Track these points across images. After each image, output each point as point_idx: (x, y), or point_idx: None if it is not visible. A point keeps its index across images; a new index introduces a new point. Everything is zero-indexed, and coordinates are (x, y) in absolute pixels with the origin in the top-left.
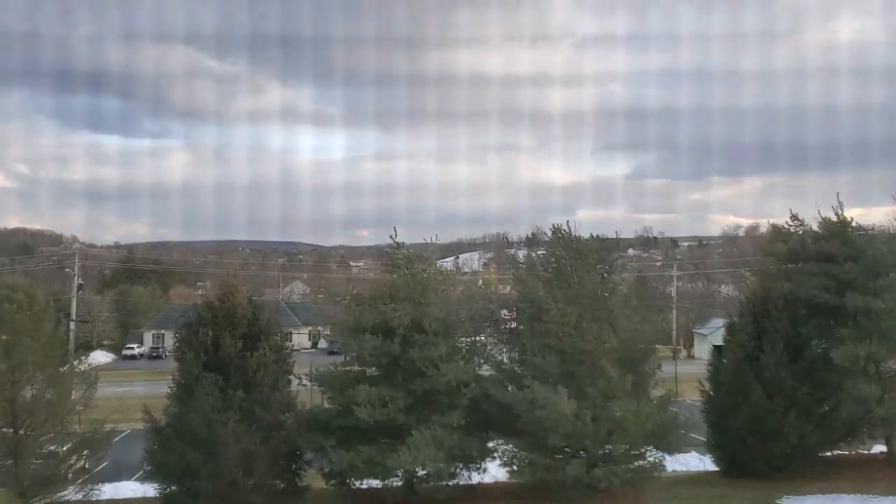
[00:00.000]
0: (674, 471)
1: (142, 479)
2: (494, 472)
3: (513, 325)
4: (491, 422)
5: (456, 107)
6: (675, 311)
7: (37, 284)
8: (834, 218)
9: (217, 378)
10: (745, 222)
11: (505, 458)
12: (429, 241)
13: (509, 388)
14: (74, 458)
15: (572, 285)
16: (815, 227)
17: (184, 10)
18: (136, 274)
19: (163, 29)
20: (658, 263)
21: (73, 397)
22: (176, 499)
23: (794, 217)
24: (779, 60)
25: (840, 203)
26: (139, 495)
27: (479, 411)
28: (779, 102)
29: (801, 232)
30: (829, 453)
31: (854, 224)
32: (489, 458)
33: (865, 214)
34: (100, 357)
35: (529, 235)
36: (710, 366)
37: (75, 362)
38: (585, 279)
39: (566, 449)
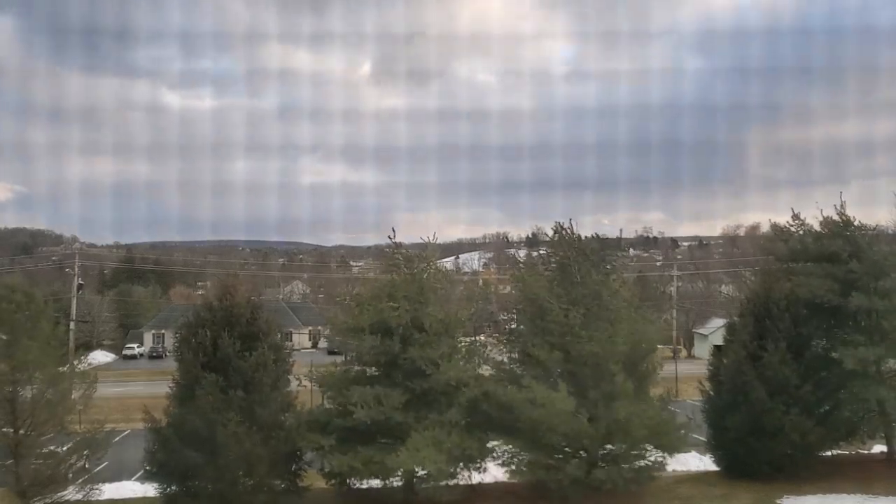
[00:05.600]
0: (674, 471)
1: (142, 479)
2: (494, 472)
3: (513, 325)
4: (491, 422)
5: None
6: (675, 311)
7: (37, 284)
8: (836, 217)
9: (217, 378)
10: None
11: (504, 458)
12: (429, 240)
13: (509, 388)
14: (74, 458)
15: (576, 285)
16: (816, 226)
17: None
18: (136, 274)
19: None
20: (658, 263)
21: (72, 397)
22: (176, 499)
23: (796, 216)
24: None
25: (843, 202)
26: (139, 495)
27: (479, 411)
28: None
29: (801, 232)
30: (829, 453)
31: (857, 223)
32: (489, 458)
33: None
34: (100, 357)
35: (530, 235)
36: (711, 366)
37: (75, 362)
38: (589, 279)
39: (566, 448)
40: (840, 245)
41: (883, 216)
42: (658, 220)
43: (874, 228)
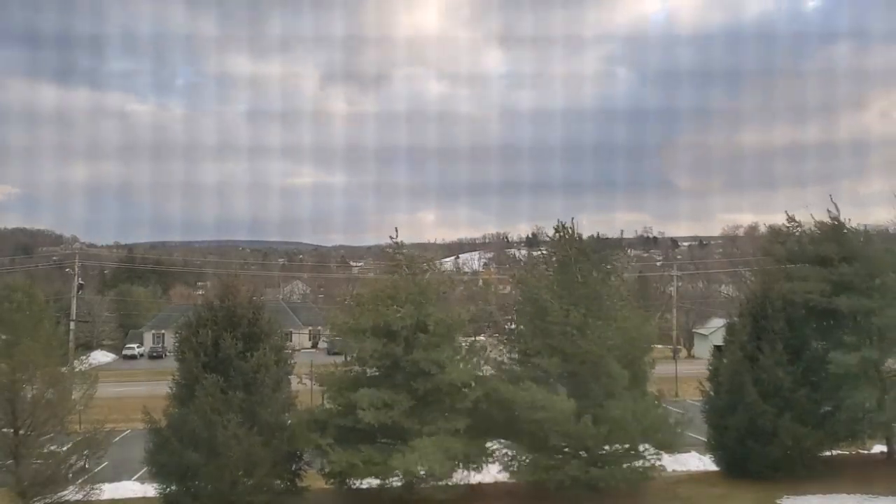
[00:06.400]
0: (674, 471)
1: (142, 479)
2: (494, 472)
3: (512, 325)
4: (492, 423)
5: None
6: (675, 311)
7: (37, 284)
8: (829, 220)
9: (217, 379)
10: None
11: (505, 460)
12: (430, 241)
13: (511, 387)
14: (74, 458)
15: (577, 284)
16: (811, 228)
17: None
18: (136, 274)
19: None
20: (658, 263)
21: (73, 397)
22: (176, 499)
23: (791, 218)
24: None
25: (836, 205)
26: (139, 495)
27: (481, 412)
28: None
29: (798, 234)
30: (829, 453)
31: (850, 226)
32: (490, 460)
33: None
34: (100, 357)
35: (530, 235)
36: (711, 366)
37: (75, 362)
38: (589, 279)
39: (566, 449)
40: (832, 248)
41: (876, 216)
42: (639, 220)
43: (865, 228)
